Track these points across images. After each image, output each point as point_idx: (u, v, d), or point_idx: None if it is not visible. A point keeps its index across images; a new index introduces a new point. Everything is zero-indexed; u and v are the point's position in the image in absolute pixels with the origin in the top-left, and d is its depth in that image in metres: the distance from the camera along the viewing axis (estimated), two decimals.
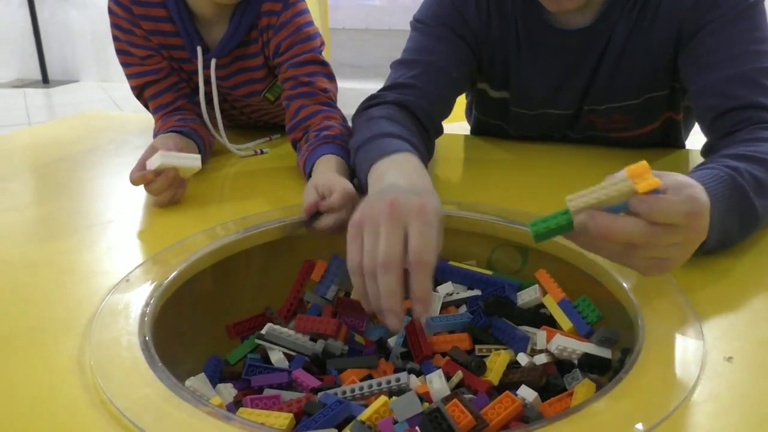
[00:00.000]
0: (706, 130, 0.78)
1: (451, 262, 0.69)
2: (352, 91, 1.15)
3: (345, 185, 0.70)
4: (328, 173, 0.76)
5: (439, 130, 0.89)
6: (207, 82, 0.94)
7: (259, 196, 0.83)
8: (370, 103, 0.85)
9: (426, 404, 0.49)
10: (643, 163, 0.45)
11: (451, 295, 0.65)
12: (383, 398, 0.48)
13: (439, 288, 0.66)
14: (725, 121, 0.73)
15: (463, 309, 0.65)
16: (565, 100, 0.91)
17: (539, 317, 0.61)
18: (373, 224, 0.50)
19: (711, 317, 0.52)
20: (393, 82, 0.86)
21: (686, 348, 0.48)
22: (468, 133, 1.12)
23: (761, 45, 0.75)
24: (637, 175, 0.45)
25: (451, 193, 0.81)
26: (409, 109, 0.82)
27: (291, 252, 0.72)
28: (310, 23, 0.95)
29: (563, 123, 0.96)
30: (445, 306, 0.65)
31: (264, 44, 0.95)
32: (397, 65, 0.89)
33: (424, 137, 0.83)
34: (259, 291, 0.72)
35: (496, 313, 0.61)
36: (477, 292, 0.65)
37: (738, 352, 0.48)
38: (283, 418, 0.47)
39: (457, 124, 1.11)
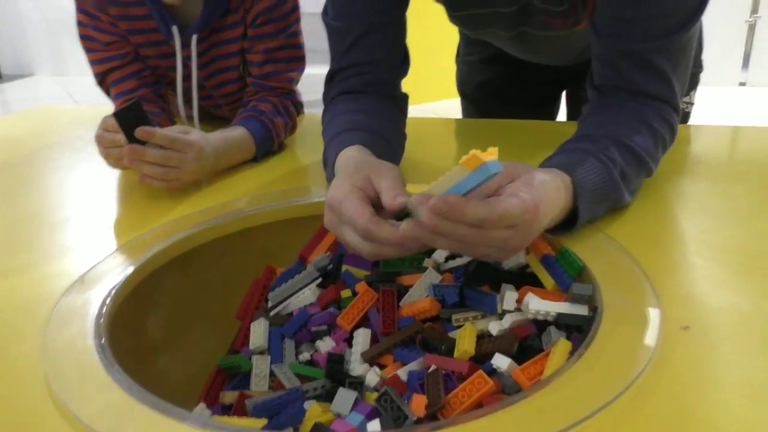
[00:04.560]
0: (593, 80, 0.73)
1: None
2: (314, 76, 1.14)
3: (193, 138, 0.78)
4: (217, 133, 0.84)
5: (399, 82, 0.83)
6: (185, 65, 0.94)
7: (221, 188, 0.81)
8: (326, 102, 0.83)
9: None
10: (473, 152, 0.46)
11: (447, 261, 0.65)
12: (316, 409, 0.51)
13: (435, 254, 0.65)
14: (613, 92, 0.70)
15: None
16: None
17: (523, 278, 0.61)
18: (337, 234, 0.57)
19: (667, 286, 0.53)
20: (333, 69, 0.82)
21: (643, 318, 0.49)
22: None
23: (675, 6, 0.66)
24: (474, 163, 0.46)
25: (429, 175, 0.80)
26: (358, 93, 0.80)
27: (248, 244, 0.72)
28: None
29: (516, 19, 0.86)
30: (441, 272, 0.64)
31: (246, 11, 0.95)
32: (329, 32, 0.82)
33: (384, 109, 0.79)
34: (220, 285, 0.71)
35: (480, 280, 0.61)
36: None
37: (694, 320, 0.49)
38: (255, 423, 0.48)
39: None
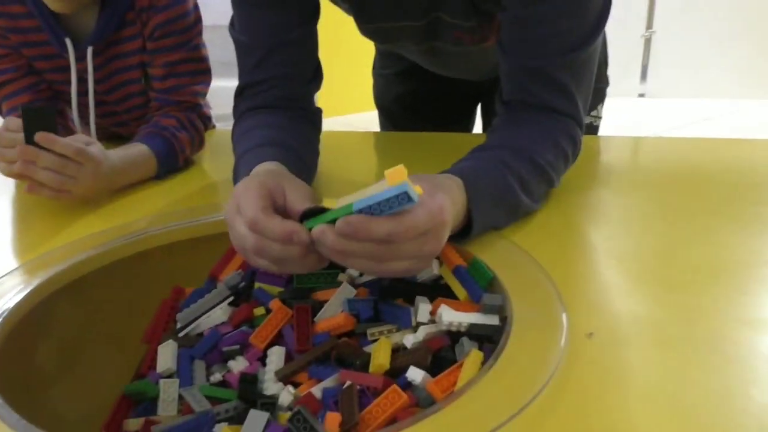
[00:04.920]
0: (502, 95, 0.75)
1: None
2: (224, 89, 1.11)
3: (94, 152, 0.75)
4: (117, 151, 0.82)
5: (311, 96, 0.82)
6: (81, 79, 0.90)
7: (124, 207, 0.78)
8: (236, 117, 0.81)
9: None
10: (400, 167, 0.47)
11: (361, 275, 0.64)
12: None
13: (348, 269, 0.63)
14: (520, 107, 0.72)
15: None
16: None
17: (437, 290, 0.60)
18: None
19: (572, 294, 0.54)
20: (242, 83, 0.80)
21: (551, 326, 0.50)
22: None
23: (575, 25, 0.68)
24: (396, 177, 0.47)
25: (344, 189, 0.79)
26: (270, 108, 0.79)
27: (152, 265, 0.68)
28: (190, 11, 0.93)
29: (426, 34, 0.85)
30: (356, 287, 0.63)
31: (143, 24, 0.91)
32: (237, 46, 0.79)
33: (296, 125, 0.78)
34: (123, 309, 0.67)
35: (395, 294, 0.61)
36: None
37: (598, 327, 0.50)
38: None
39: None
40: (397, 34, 0.87)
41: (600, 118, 1.07)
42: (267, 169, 0.64)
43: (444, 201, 0.52)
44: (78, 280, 0.62)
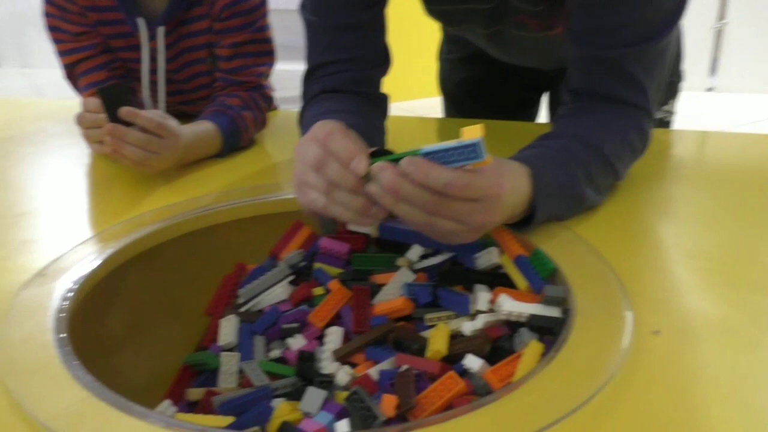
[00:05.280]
0: (569, 83, 0.73)
1: None
2: (287, 73, 1.13)
3: (174, 127, 0.78)
4: (186, 127, 0.83)
5: (379, 81, 0.82)
6: (152, 58, 0.93)
7: (189, 183, 0.79)
8: (305, 100, 0.81)
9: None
10: (478, 125, 0.47)
11: (420, 261, 0.63)
12: (284, 408, 0.50)
13: (408, 252, 0.64)
14: (588, 96, 0.70)
15: None
16: None
17: (496, 278, 0.60)
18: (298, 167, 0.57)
19: (638, 290, 0.53)
20: (311, 65, 0.80)
21: (615, 322, 0.49)
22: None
23: (648, 15, 0.65)
24: (472, 134, 0.47)
25: None
26: (339, 91, 0.79)
27: (216, 241, 0.70)
28: None
29: (492, 17, 0.85)
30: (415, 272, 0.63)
31: (211, 5, 0.93)
32: (307, 27, 0.80)
33: (365, 109, 0.77)
34: (187, 281, 0.69)
35: (454, 280, 0.60)
36: (446, 255, 0.63)
37: (665, 325, 0.49)
38: (221, 421, 0.47)
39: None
40: (463, 16, 0.86)
41: (672, 113, 1.03)
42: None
43: (504, 177, 0.52)
44: (147, 251, 0.64)
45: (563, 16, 0.80)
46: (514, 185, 0.55)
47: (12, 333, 0.48)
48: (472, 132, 0.47)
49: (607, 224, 0.64)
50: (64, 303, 0.52)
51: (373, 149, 0.54)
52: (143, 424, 0.39)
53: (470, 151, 0.47)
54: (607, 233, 0.62)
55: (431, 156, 0.49)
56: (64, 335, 0.48)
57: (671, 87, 0.99)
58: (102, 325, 0.61)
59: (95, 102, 0.76)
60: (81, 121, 0.79)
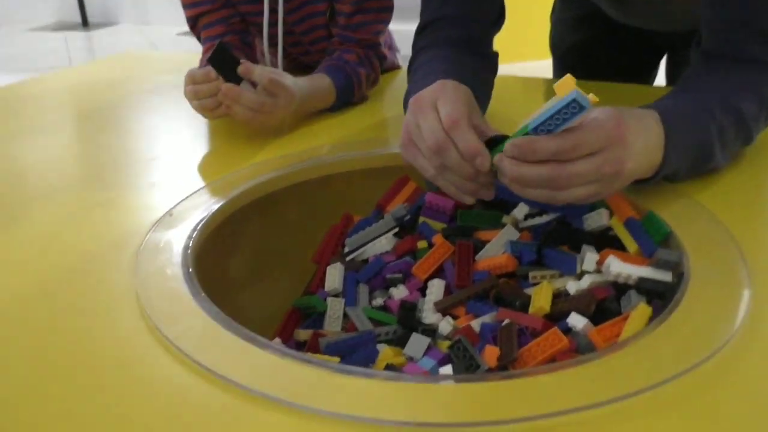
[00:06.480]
0: (701, 44, 0.69)
1: None
2: (396, 33, 1.13)
3: (288, 84, 0.79)
4: (304, 79, 0.85)
5: (491, 38, 0.81)
6: (272, 10, 0.96)
7: (303, 135, 0.82)
8: (414, 52, 0.81)
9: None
10: (567, 77, 0.47)
11: (526, 219, 0.64)
12: (388, 352, 0.52)
13: (514, 211, 0.64)
14: (722, 58, 0.66)
15: None
16: None
17: (604, 240, 0.59)
18: (412, 126, 0.57)
19: (759, 261, 0.50)
20: (424, 20, 0.80)
21: (732, 290, 0.47)
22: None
23: None
24: (565, 88, 0.46)
25: None
26: (450, 46, 0.79)
27: (326, 191, 0.73)
28: None
29: None
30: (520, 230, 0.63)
31: None
32: None
33: (474, 65, 0.77)
34: (298, 229, 0.73)
35: (559, 240, 0.60)
36: (552, 215, 0.63)
37: None
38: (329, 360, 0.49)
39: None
40: None
41: None
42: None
43: (623, 115, 0.49)
44: (262, 198, 0.68)
45: None
46: (639, 125, 0.53)
47: (146, 265, 0.53)
48: (565, 86, 0.46)
49: (729, 191, 0.61)
50: (189, 242, 0.56)
51: (487, 137, 0.53)
52: (264, 353, 0.43)
53: (572, 106, 0.46)
54: (728, 200, 0.59)
55: (540, 128, 0.48)
56: (191, 270, 0.52)
57: None
58: (221, 265, 0.65)
59: (200, 73, 0.79)
60: (196, 94, 0.80)
